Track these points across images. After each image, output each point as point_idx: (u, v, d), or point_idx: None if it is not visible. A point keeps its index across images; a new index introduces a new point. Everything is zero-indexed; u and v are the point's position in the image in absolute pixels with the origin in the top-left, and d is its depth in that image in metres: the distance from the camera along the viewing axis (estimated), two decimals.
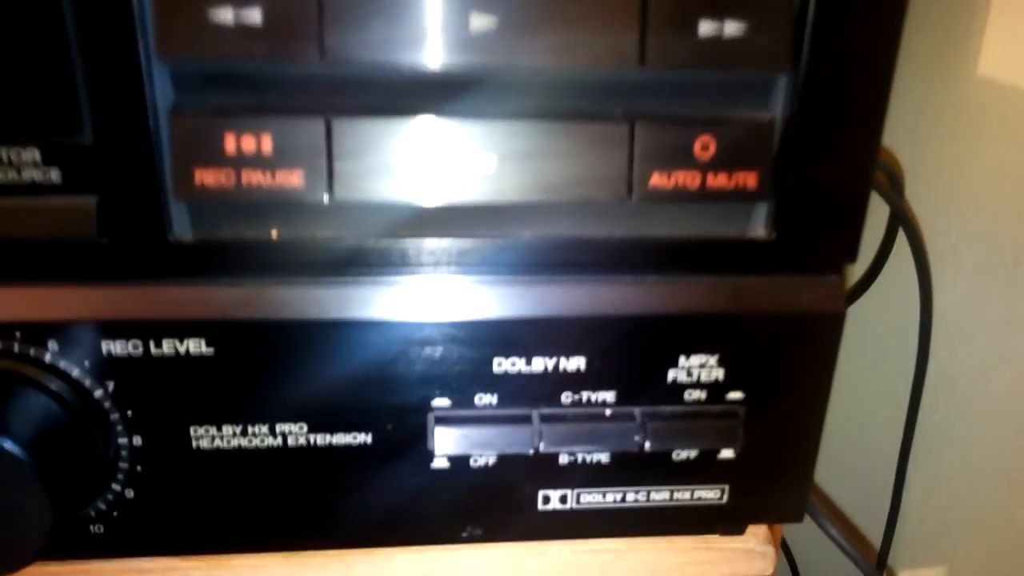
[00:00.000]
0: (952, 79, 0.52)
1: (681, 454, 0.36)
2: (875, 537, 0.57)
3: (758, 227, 0.33)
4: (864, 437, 0.61)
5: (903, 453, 0.53)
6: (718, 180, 0.31)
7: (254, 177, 0.29)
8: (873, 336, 0.59)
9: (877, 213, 0.46)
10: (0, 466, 0.29)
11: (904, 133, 0.55)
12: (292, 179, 0.30)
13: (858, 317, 0.53)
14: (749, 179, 0.31)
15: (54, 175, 0.29)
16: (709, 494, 0.37)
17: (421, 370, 0.33)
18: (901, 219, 0.48)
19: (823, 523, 0.44)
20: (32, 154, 0.29)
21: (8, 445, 0.29)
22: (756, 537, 0.43)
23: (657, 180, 0.31)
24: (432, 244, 0.32)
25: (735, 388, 0.35)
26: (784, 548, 0.71)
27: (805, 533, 0.57)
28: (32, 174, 0.29)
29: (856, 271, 0.56)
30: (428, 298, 0.33)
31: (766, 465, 0.37)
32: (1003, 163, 0.48)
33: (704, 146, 0.31)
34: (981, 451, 0.52)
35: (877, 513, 0.57)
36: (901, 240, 0.51)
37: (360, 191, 0.30)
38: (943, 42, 0.51)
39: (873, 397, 0.60)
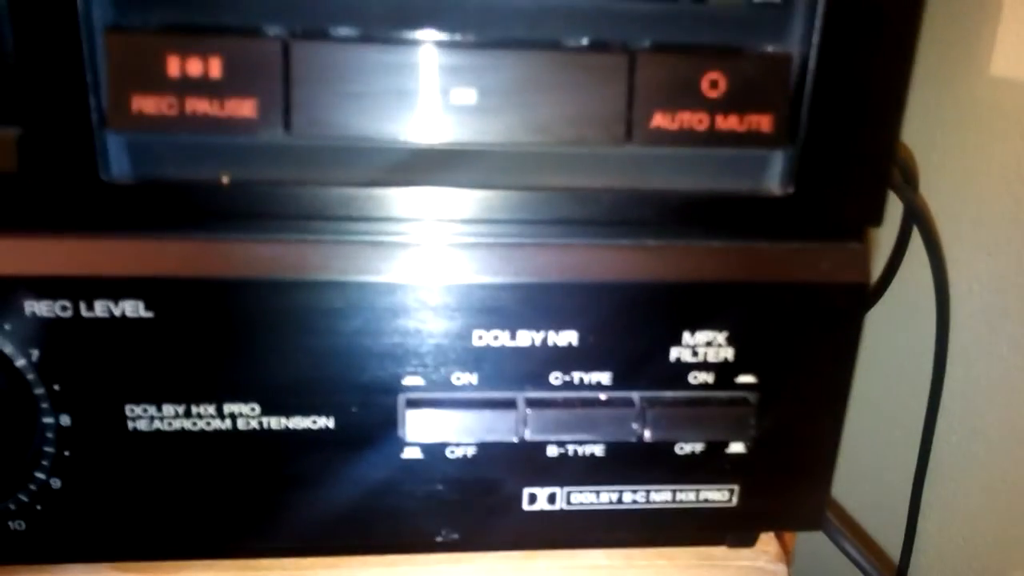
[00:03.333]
0: (964, 79, 0.49)
1: (685, 448, 0.32)
2: (892, 555, 0.53)
3: (773, 181, 0.29)
4: (877, 449, 0.57)
5: (919, 474, 0.49)
6: (728, 122, 0.28)
7: (200, 105, 0.26)
8: (887, 344, 0.55)
9: (889, 212, 0.43)
10: None
11: (914, 135, 0.52)
12: (243, 109, 0.26)
13: (869, 327, 0.50)
14: (763, 122, 0.28)
15: None
16: (717, 495, 0.33)
17: (391, 343, 0.29)
18: (916, 216, 0.45)
19: (837, 538, 0.39)
20: None
21: None
22: (767, 554, 0.39)
23: (660, 120, 0.27)
24: (403, 193, 0.28)
25: (746, 371, 0.31)
26: None
27: (806, 548, 0.53)
28: None
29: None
30: (399, 258, 0.29)
31: (781, 462, 0.33)
32: (1019, 164, 0.45)
33: (713, 83, 0.27)
34: (1001, 471, 0.48)
35: (892, 530, 0.53)
36: (914, 246, 0.48)
37: (320, 125, 0.26)
38: (954, 42, 0.49)
39: (887, 408, 0.56)
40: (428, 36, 0.27)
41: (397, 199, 0.28)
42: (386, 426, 0.30)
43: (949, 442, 0.51)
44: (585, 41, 0.27)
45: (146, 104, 0.26)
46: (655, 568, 0.38)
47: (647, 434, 0.31)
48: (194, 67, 0.26)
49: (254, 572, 0.36)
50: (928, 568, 0.53)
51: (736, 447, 0.32)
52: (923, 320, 0.48)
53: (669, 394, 0.31)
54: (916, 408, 0.48)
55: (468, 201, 0.29)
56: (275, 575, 0.36)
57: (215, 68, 0.26)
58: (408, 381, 0.30)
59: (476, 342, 0.30)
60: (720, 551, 0.39)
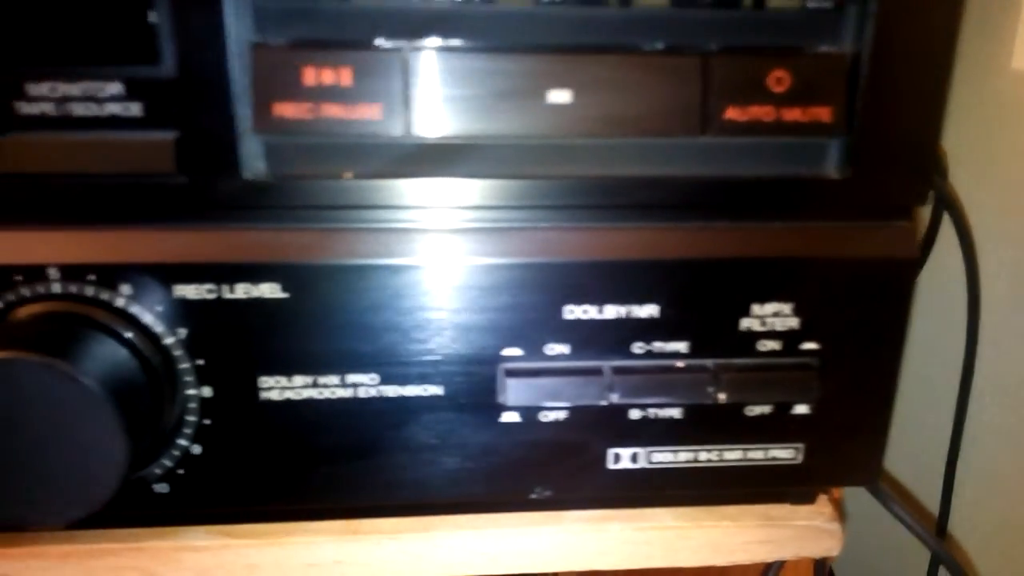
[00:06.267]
0: (987, 74, 0.52)
1: (755, 410, 0.35)
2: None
3: (831, 167, 0.33)
4: (915, 419, 0.59)
5: (951, 456, 0.52)
6: (793, 114, 0.31)
7: (333, 110, 0.29)
8: (920, 324, 0.58)
9: None
10: (80, 400, 0.28)
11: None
12: (371, 113, 0.30)
13: None
14: (823, 113, 0.31)
15: (135, 109, 0.29)
16: (784, 453, 0.36)
17: (491, 318, 0.33)
18: (947, 204, 0.48)
19: (885, 499, 0.42)
20: (114, 88, 0.29)
21: (89, 380, 0.28)
22: (822, 515, 0.42)
23: (732, 114, 0.31)
24: (507, 185, 0.32)
25: (809, 338, 0.35)
26: None
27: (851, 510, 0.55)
28: (113, 108, 0.29)
29: None
30: (499, 242, 0.32)
31: (841, 422, 0.36)
32: None
33: (778, 80, 0.31)
34: None
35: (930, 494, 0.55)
36: (942, 238, 0.51)
37: (437, 126, 0.30)
38: (978, 37, 0.52)
39: (923, 379, 0.58)
40: (527, 44, 0.30)
41: (500, 190, 0.32)
42: (487, 393, 0.34)
43: (981, 403, 0.53)
44: (663, 45, 0.31)
45: (286, 110, 0.29)
46: (720, 529, 0.41)
47: (721, 397, 0.34)
48: (328, 76, 0.29)
49: (354, 535, 0.39)
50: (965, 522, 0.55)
51: (801, 408, 0.36)
52: (953, 302, 0.51)
53: (740, 360, 0.34)
54: (950, 378, 0.51)
55: (560, 190, 0.32)
56: (374, 538, 0.39)
57: (346, 77, 0.29)
58: (507, 352, 0.34)
59: (567, 316, 0.33)
60: (780, 512, 0.42)
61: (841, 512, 0.44)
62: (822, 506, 0.43)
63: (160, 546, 0.38)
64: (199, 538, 0.38)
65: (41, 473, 0.29)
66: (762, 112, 0.31)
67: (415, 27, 0.30)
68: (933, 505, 0.55)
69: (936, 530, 0.51)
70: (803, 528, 0.41)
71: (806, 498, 0.40)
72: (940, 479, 0.53)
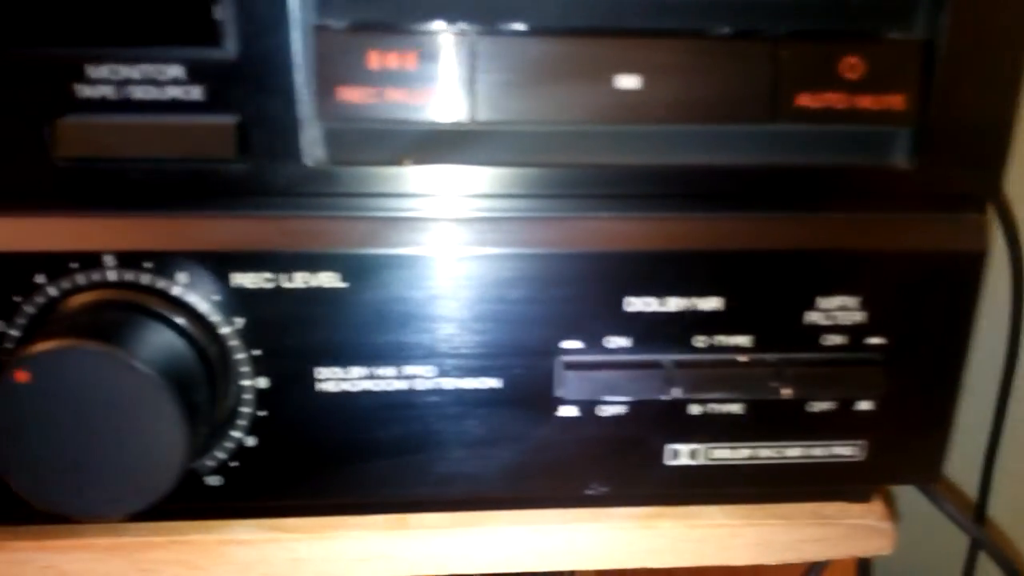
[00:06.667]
0: None
1: (817, 406, 0.35)
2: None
3: (901, 156, 0.32)
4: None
5: (992, 442, 0.51)
6: (865, 102, 0.30)
7: (397, 95, 0.29)
8: None
9: None
10: (141, 390, 0.28)
11: None
12: (435, 98, 0.29)
13: None
14: (896, 101, 0.30)
15: (195, 93, 0.29)
16: (846, 450, 0.36)
17: (551, 309, 0.32)
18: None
19: (935, 496, 0.42)
20: (175, 70, 0.28)
21: (151, 370, 0.28)
22: (875, 513, 0.41)
23: (803, 100, 0.30)
24: (567, 173, 0.31)
25: (875, 333, 0.34)
26: None
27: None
28: (173, 92, 0.29)
29: None
30: (557, 231, 0.32)
31: (905, 419, 0.35)
32: None
33: (851, 67, 0.30)
34: None
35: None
36: None
37: (502, 111, 0.29)
38: None
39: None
40: (595, 28, 0.30)
41: (558, 178, 0.31)
42: (545, 386, 0.33)
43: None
44: (733, 30, 0.30)
45: (350, 94, 0.29)
46: (772, 526, 0.41)
47: (785, 392, 0.33)
48: (393, 60, 0.29)
49: (401, 529, 0.39)
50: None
51: (865, 405, 0.35)
52: (996, 295, 0.50)
53: (804, 355, 0.34)
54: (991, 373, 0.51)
55: (622, 178, 0.32)
56: (421, 533, 0.39)
57: (411, 61, 0.29)
58: (566, 344, 0.33)
59: (628, 308, 0.33)
60: (831, 510, 0.41)
61: (893, 510, 0.43)
62: (873, 504, 0.42)
63: (205, 540, 0.37)
64: (244, 532, 0.38)
65: (99, 464, 0.28)
66: (834, 99, 0.30)
67: (480, 10, 0.29)
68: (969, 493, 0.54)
69: (974, 517, 0.50)
70: (855, 527, 0.41)
71: (862, 496, 0.39)
72: (974, 467, 0.52)
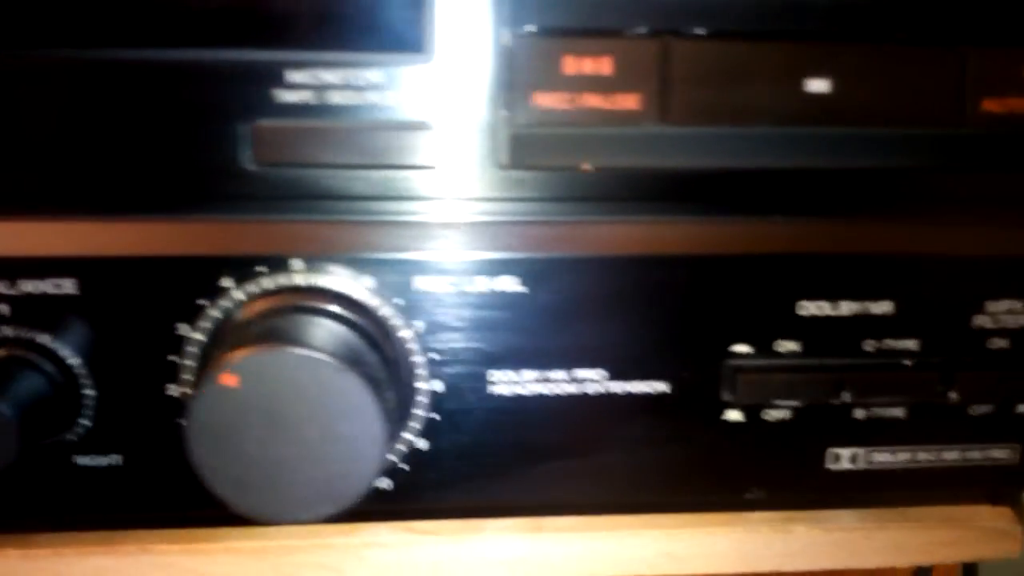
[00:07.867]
0: None
1: (977, 409, 0.35)
2: None
3: None
4: None
5: None
6: None
7: (592, 100, 0.29)
8: None
9: None
10: (343, 394, 0.28)
11: None
12: (629, 102, 0.29)
13: None
14: None
15: (392, 98, 0.29)
16: (1002, 453, 0.35)
17: (721, 313, 0.32)
18: None
19: None
20: (374, 75, 0.28)
21: (355, 374, 0.28)
22: (1004, 516, 0.41)
23: (989, 105, 0.30)
24: (740, 176, 0.31)
25: None
26: None
27: None
28: (373, 97, 0.29)
29: None
30: (728, 234, 0.32)
31: None
32: None
33: None
34: None
35: None
36: None
37: (695, 116, 0.29)
38: None
39: None
40: (783, 31, 0.30)
41: (728, 181, 0.31)
42: (713, 390, 0.33)
43: None
44: (919, 35, 0.30)
45: (545, 100, 0.29)
46: (905, 529, 0.41)
47: (952, 396, 0.33)
48: (588, 66, 0.29)
49: (537, 532, 0.39)
50: None
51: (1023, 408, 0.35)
52: None
53: (971, 359, 0.34)
54: None
55: (796, 181, 0.32)
56: (558, 536, 0.39)
57: (606, 66, 0.29)
58: (735, 348, 0.33)
59: (800, 312, 0.33)
60: (962, 513, 0.41)
61: (1020, 514, 0.43)
62: (1001, 508, 0.42)
63: (347, 543, 0.37)
64: (384, 535, 0.38)
65: (298, 468, 0.28)
66: (1020, 104, 0.30)
67: (671, 14, 0.29)
68: None
69: None
70: (985, 530, 0.41)
71: (1006, 499, 0.39)
72: None
